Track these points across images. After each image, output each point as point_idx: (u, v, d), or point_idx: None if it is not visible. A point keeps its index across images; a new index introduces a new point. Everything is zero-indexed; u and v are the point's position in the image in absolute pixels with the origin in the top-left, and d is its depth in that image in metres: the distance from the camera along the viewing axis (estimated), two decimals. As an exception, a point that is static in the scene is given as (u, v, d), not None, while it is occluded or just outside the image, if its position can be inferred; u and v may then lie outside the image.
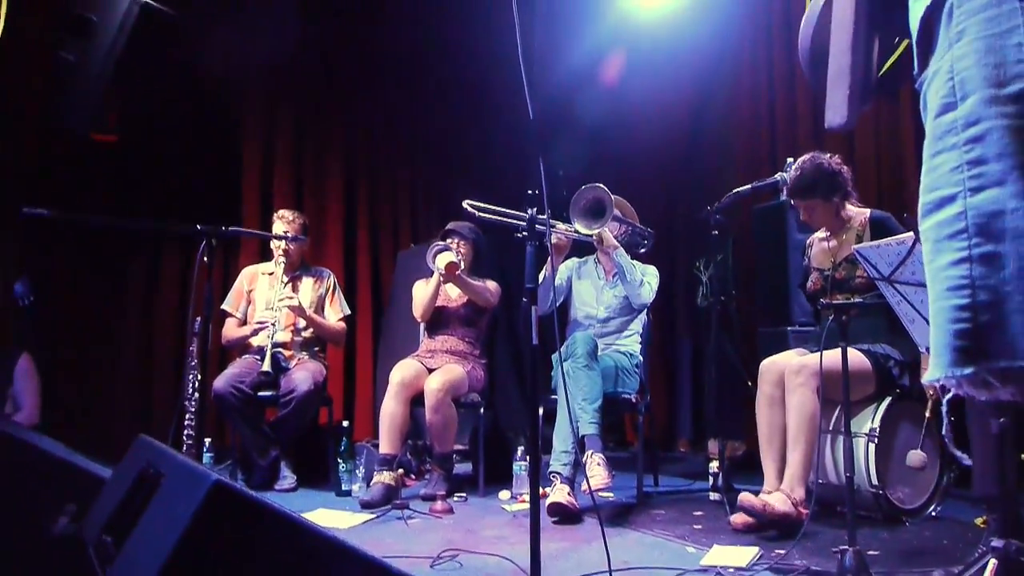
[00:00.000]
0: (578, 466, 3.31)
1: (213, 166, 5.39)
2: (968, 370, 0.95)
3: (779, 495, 2.89)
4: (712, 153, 5.54)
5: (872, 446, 2.99)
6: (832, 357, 2.59)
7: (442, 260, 3.87)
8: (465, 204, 2.94)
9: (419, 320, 4.24)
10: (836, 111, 1.30)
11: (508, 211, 2.86)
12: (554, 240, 3.61)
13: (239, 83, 5.46)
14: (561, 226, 3.57)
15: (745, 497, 2.88)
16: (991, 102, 0.97)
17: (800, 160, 3.29)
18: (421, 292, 4.15)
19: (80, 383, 4.90)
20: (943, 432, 2.00)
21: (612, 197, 3.53)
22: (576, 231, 3.56)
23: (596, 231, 3.59)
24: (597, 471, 3.18)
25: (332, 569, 1.19)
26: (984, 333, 0.94)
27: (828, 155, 3.27)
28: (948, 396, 1.03)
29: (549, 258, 3.55)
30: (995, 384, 0.95)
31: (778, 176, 3.30)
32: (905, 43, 1.33)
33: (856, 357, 3.02)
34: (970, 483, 2.72)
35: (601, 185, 3.53)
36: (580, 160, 5.85)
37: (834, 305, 2.35)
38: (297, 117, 5.73)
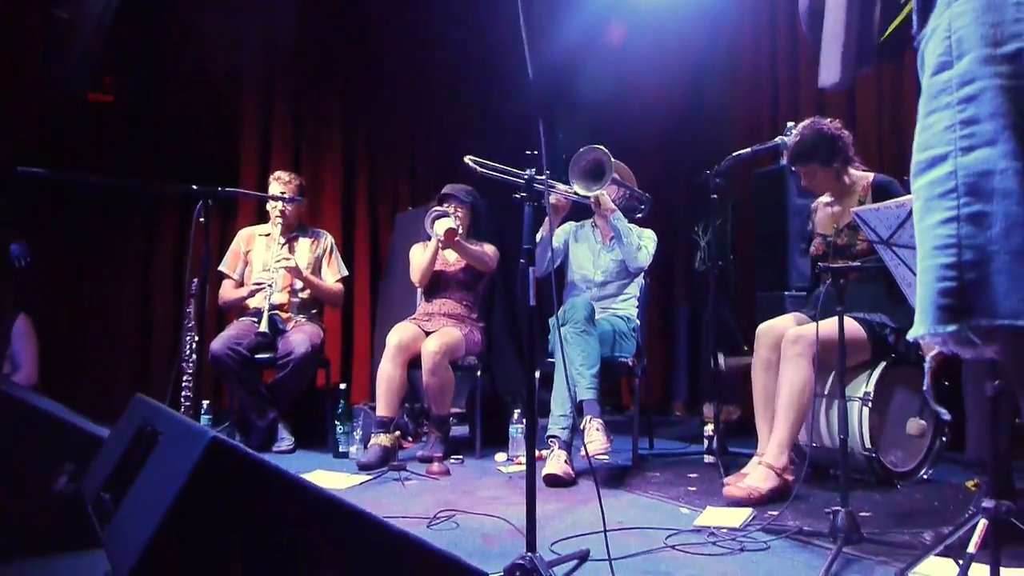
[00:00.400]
0: (576, 431, 3.33)
1: (211, 127, 5.35)
2: (951, 327, 0.96)
3: (761, 470, 2.89)
4: (713, 117, 5.50)
5: (866, 410, 3.01)
6: (828, 326, 2.59)
7: (441, 226, 3.85)
8: (467, 159, 2.92)
9: (417, 285, 4.23)
10: (830, 71, 1.29)
11: (509, 169, 2.84)
12: (552, 200, 3.58)
13: (238, 43, 5.40)
14: (560, 187, 3.55)
15: (729, 492, 2.86)
16: (987, 61, 0.96)
17: (800, 126, 3.27)
18: (418, 257, 4.14)
19: (78, 344, 4.92)
20: (924, 388, 2.02)
21: (612, 159, 3.50)
22: (575, 192, 3.54)
23: (595, 193, 3.56)
24: (596, 436, 3.20)
25: (329, 525, 1.20)
26: (968, 291, 0.94)
27: (828, 120, 3.24)
28: (933, 353, 1.04)
29: (547, 219, 3.52)
30: (977, 342, 0.96)
31: (778, 139, 3.27)
32: (910, 6, 1.31)
33: (851, 326, 3.02)
34: (963, 447, 2.75)
35: (601, 147, 3.50)
36: (581, 123, 5.82)
37: (832, 268, 2.34)
38: (296, 78, 5.68)
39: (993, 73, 0.95)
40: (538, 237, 3.61)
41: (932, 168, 1.00)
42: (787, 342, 3.00)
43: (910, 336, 1.04)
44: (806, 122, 3.27)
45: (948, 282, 0.96)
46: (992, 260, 0.93)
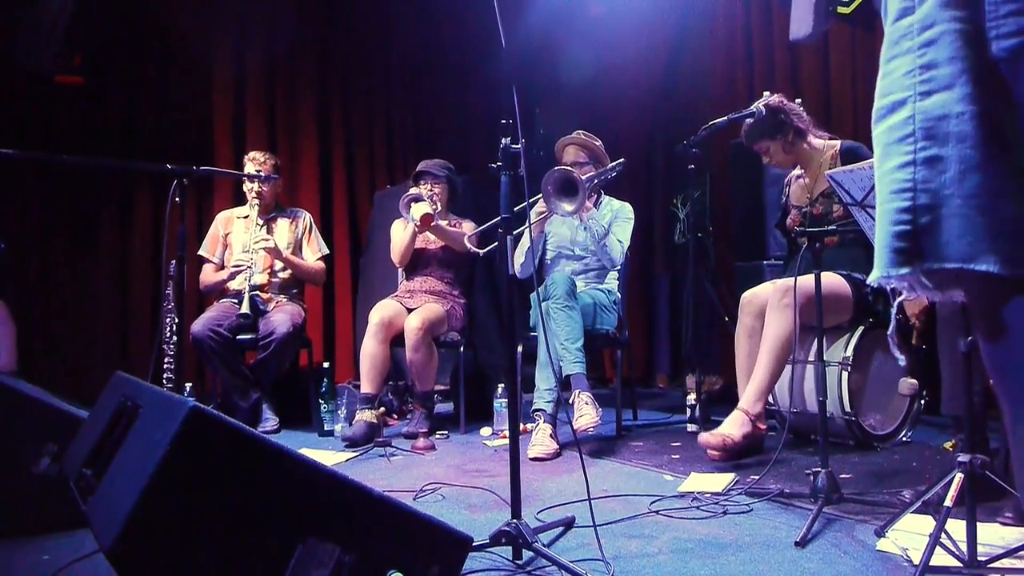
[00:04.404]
0: (560, 404, 3.35)
1: (184, 108, 5.28)
2: (904, 271, 0.97)
3: (737, 415, 2.94)
4: (690, 88, 5.49)
5: (845, 374, 3.04)
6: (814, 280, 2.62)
7: (417, 211, 3.81)
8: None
9: (397, 265, 4.22)
10: (801, 23, 1.30)
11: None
12: (534, 219, 3.56)
13: (210, 21, 5.33)
14: (540, 206, 3.51)
15: (703, 439, 2.92)
16: (945, 6, 0.97)
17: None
18: (398, 237, 4.11)
19: (56, 329, 4.87)
20: (889, 332, 2.05)
21: (580, 177, 3.42)
22: (552, 211, 3.50)
23: (571, 210, 3.43)
24: (587, 410, 3.22)
25: (311, 490, 1.21)
26: (921, 235, 0.95)
27: (769, 94, 3.30)
28: (901, 299, 1.05)
29: (527, 230, 3.48)
30: (929, 285, 0.97)
31: (754, 107, 3.26)
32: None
33: (836, 280, 3.06)
34: (940, 409, 2.79)
35: (566, 167, 3.50)
36: (558, 98, 5.81)
37: (809, 232, 2.36)
38: (269, 56, 5.60)
39: (951, 17, 0.96)
40: (522, 249, 3.61)
41: (892, 113, 1.01)
42: (776, 292, 3.00)
43: (869, 280, 1.05)
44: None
45: (903, 225, 0.97)
46: (945, 204, 0.94)
